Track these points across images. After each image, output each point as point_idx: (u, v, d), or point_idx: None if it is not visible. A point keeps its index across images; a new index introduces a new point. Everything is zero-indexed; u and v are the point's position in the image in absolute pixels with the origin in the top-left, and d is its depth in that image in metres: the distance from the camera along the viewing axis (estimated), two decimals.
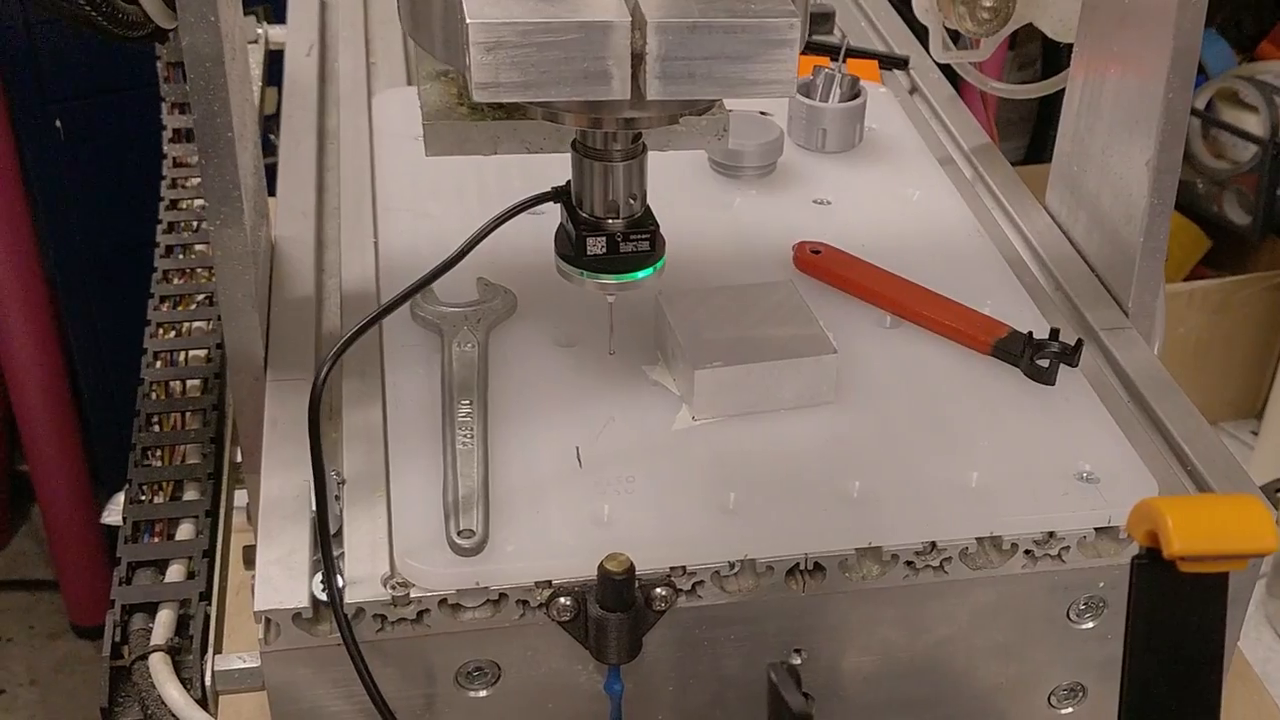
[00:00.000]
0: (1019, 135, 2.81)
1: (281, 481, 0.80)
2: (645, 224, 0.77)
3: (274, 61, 1.34)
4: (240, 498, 0.95)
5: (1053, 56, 2.65)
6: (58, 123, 1.88)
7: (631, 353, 0.90)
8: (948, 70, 1.26)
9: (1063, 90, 1.07)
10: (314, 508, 0.75)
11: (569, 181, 0.79)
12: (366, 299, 0.95)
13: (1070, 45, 1.05)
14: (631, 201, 0.76)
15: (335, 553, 0.75)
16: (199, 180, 1.15)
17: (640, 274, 0.78)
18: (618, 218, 0.77)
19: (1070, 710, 0.87)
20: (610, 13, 0.63)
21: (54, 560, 2.16)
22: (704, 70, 0.63)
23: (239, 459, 0.93)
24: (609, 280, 0.78)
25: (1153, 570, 0.54)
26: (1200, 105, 2.48)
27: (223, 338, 0.95)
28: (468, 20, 0.62)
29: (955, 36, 1.16)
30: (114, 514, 0.91)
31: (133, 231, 1.46)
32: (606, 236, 0.77)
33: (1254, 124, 2.43)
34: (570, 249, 0.78)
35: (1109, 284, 1.02)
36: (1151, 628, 0.55)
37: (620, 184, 0.76)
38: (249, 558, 0.91)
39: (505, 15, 0.62)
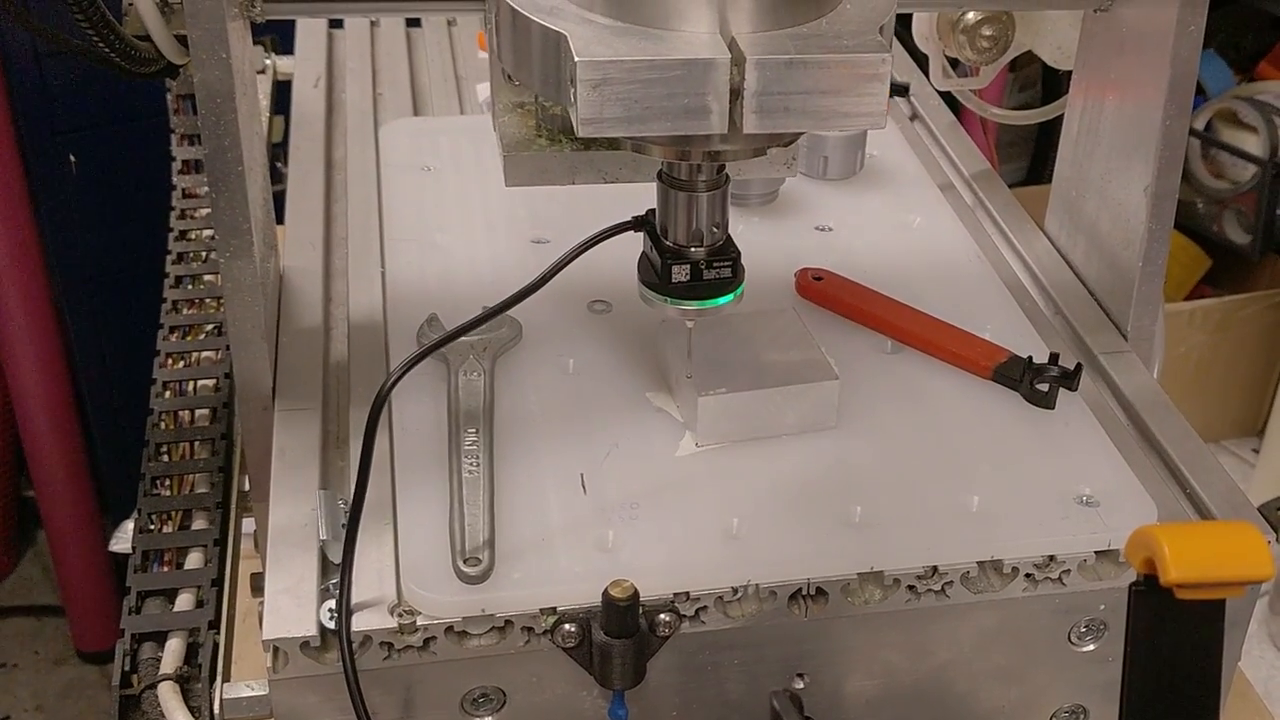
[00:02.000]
0: (1019, 157, 2.82)
1: (290, 510, 0.81)
2: (727, 251, 0.79)
3: (281, 91, 1.35)
4: (248, 525, 0.96)
5: (1053, 78, 2.66)
6: (72, 156, 1.89)
7: (635, 379, 0.91)
8: (948, 96, 1.28)
9: (1063, 114, 1.08)
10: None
11: (649, 211, 0.80)
12: (374, 329, 0.96)
13: (1069, 71, 1.06)
14: (714, 230, 0.78)
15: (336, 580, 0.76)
16: (208, 211, 1.16)
17: (723, 300, 0.80)
18: (701, 246, 0.78)
19: None
20: (712, 50, 0.65)
21: (60, 586, 2.17)
22: (799, 104, 0.65)
23: (247, 487, 0.93)
24: (693, 306, 0.80)
25: (1150, 597, 0.54)
26: (1200, 126, 2.49)
27: (231, 368, 0.96)
28: (575, 58, 0.64)
29: (955, 64, 1.18)
30: (122, 541, 0.92)
31: (140, 260, 1.47)
32: (691, 264, 0.78)
33: (1253, 144, 2.44)
34: (655, 276, 0.80)
35: (1108, 308, 1.02)
36: (1149, 654, 0.55)
37: (704, 213, 0.77)
38: (256, 585, 0.92)
39: (611, 53, 0.64)
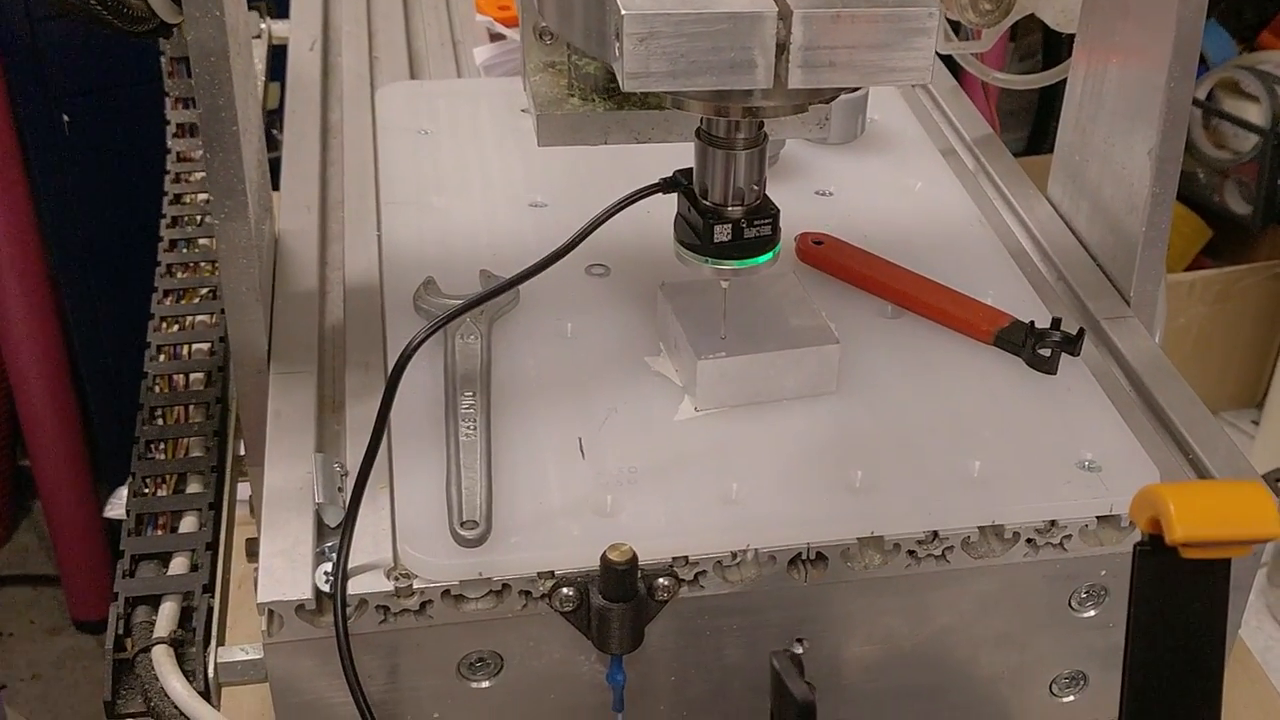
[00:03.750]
0: (1019, 127, 2.81)
1: (285, 473, 0.80)
2: (767, 210, 0.79)
3: (276, 57, 1.34)
4: (242, 492, 0.95)
5: (1054, 48, 2.65)
6: (65, 117, 1.88)
7: (633, 344, 0.90)
8: (948, 61, 1.26)
9: (1064, 81, 1.07)
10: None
11: (676, 172, 0.80)
12: (370, 292, 0.95)
13: (1072, 36, 1.05)
14: (754, 188, 0.78)
15: (332, 544, 0.76)
16: (202, 175, 1.15)
17: (762, 258, 0.80)
18: (741, 204, 0.78)
19: (1071, 699, 0.88)
20: (758, 4, 0.64)
21: (55, 555, 2.16)
22: (845, 59, 0.65)
23: (242, 452, 0.93)
24: (733, 266, 0.79)
25: (1155, 557, 0.54)
26: (1201, 95, 2.47)
27: (226, 331, 0.95)
28: (622, 12, 0.63)
29: (956, 27, 1.16)
30: (117, 507, 0.91)
31: (134, 226, 1.46)
32: (732, 224, 0.78)
33: (1255, 114, 2.43)
34: (694, 237, 0.79)
35: (1111, 273, 1.02)
36: (1154, 614, 0.55)
37: (743, 171, 0.77)
38: (251, 550, 0.91)
39: (658, 7, 0.64)
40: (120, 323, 1.99)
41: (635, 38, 0.64)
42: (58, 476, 2.06)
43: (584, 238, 0.80)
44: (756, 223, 0.78)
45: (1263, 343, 2.57)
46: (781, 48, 0.65)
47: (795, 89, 0.66)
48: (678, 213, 0.81)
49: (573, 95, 0.82)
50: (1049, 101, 2.68)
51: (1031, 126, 2.81)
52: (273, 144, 1.18)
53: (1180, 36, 0.91)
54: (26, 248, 1.90)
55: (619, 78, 0.65)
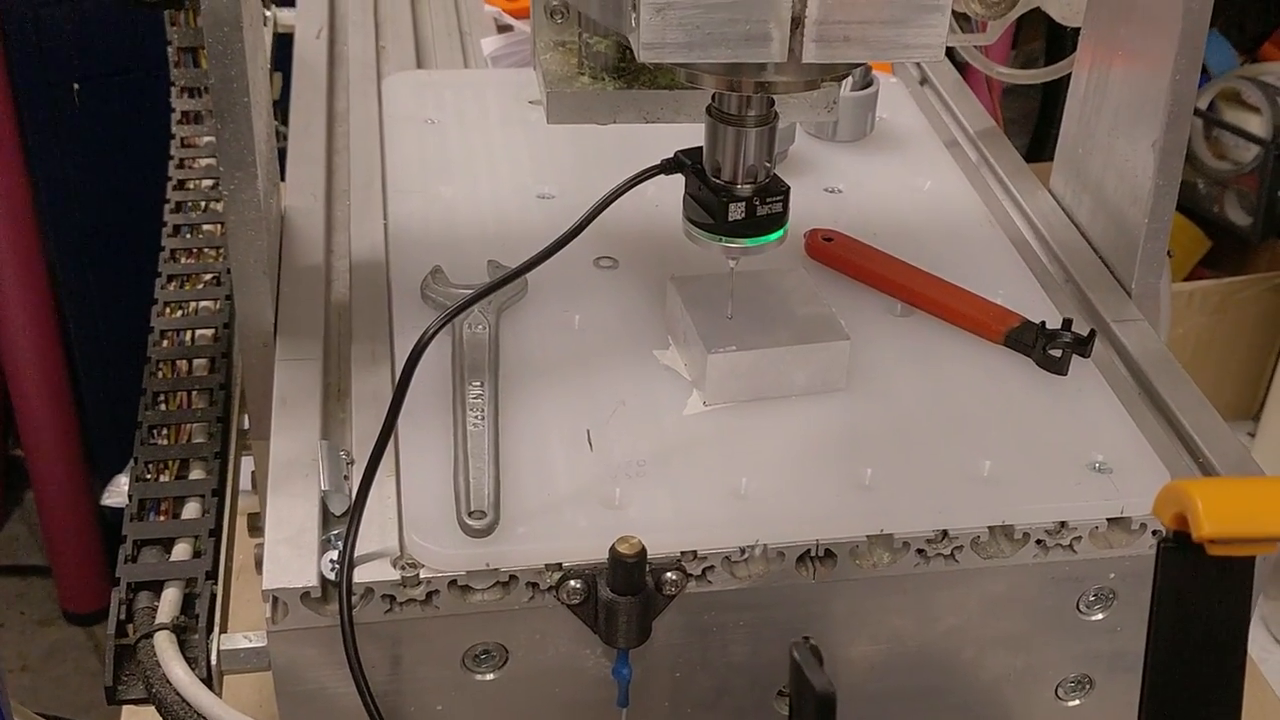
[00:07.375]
0: (1020, 133, 2.80)
1: (290, 460, 0.79)
2: (778, 187, 0.79)
3: (280, 46, 1.33)
4: (245, 483, 0.94)
5: (1055, 53, 2.64)
6: (75, 85, 1.86)
7: (642, 337, 0.90)
8: (950, 56, 1.26)
9: (1065, 82, 1.07)
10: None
11: (678, 153, 0.80)
12: (376, 280, 0.94)
13: (1076, 31, 1.05)
14: (766, 166, 0.78)
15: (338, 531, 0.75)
16: (206, 161, 1.15)
17: (773, 236, 0.80)
18: (752, 182, 0.78)
19: (1077, 702, 0.87)
20: None
21: (47, 546, 2.15)
22: (859, 34, 0.65)
23: (246, 426, 0.92)
24: (743, 244, 0.79)
25: (1179, 554, 0.53)
26: (1202, 106, 2.47)
27: (230, 318, 0.94)
28: None
29: (960, 21, 1.16)
30: (114, 496, 0.90)
31: (132, 216, 1.45)
32: (744, 201, 0.78)
33: (1256, 125, 2.43)
34: (704, 215, 0.79)
35: (1113, 266, 1.02)
36: (1176, 612, 0.54)
37: (754, 149, 0.77)
38: (254, 525, 0.91)
39: None
40: (116, 312, 1.98)
41: (652, 8, 0.64)
42: (51, 467, 2.04)
43: (591, 220, 0.80)
44: (768, 200, 0.78)
45: (1260, 354, 2.57)
46: (796, 21, 0.65)
47: (809, 64, 0.66)
48: (686, 192, 0.81)
49: (583, 74, 0.82)
50: (1050, 109, 2.67)
51: (1032, 134, 2.81)
52: (276, 135, 1.17)
53: (1187, 29, 0.91)
54: (24, 236, 1.89)
55: (634, 48, 0.65)
